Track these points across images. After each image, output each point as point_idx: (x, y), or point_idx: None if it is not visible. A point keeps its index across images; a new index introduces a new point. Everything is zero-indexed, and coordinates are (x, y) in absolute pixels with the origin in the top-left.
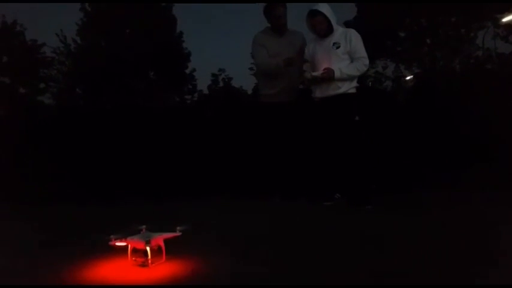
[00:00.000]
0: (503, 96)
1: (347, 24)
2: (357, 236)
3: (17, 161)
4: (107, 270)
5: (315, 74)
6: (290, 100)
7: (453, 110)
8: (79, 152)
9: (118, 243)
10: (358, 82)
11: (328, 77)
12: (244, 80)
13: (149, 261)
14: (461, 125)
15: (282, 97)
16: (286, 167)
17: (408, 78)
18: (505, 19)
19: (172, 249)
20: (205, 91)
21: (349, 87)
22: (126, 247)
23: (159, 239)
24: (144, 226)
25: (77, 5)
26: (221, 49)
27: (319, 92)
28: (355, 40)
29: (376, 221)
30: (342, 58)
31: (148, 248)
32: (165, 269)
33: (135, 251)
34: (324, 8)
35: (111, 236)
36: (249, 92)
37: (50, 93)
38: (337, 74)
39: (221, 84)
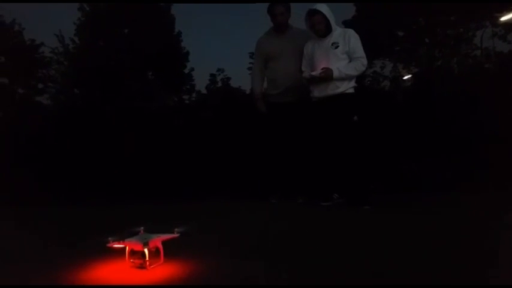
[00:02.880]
0: (501, 95)
1: (346, 24)
2: (355, 237)
3: (15, 162)
4: (104, 272)
5: (313, 73)
6: (296, 100)
7: (451, 109)
8: (77, 153)
9: (116, 245)
10: (356, 82)
11: (327, 76)
12: (243, 80)
13: (147, 263)
14: (459, 124)
15: (287, 97)
16: (287, 167)
17: (406, 77)
18: (503, 18)
19: (171, 250)
20: (204, 91)
21: (347, 87)
22: (124, 249)
23: (157, 240)
24: (142, 228)
25: (75, 5)
26: (220, 49)
27: (317, 92)
28: (354, 40)
29: (374, 221)
30: (341, 58)
31: (146, 250)
32: (163, 270)
33: (133, 252)
34: (323, 8)
35: (109, 238)
36: (248, 91)
37: (48, 93)
38: (335, 73)
39: (219, 84)
